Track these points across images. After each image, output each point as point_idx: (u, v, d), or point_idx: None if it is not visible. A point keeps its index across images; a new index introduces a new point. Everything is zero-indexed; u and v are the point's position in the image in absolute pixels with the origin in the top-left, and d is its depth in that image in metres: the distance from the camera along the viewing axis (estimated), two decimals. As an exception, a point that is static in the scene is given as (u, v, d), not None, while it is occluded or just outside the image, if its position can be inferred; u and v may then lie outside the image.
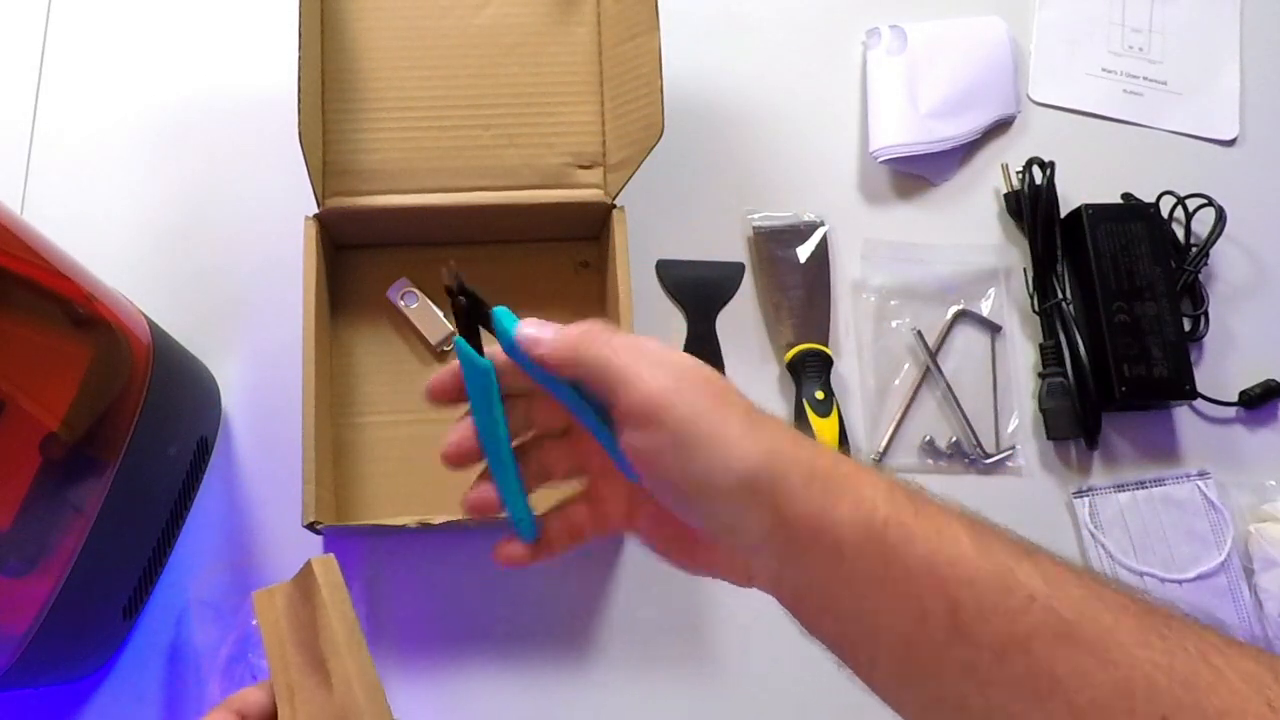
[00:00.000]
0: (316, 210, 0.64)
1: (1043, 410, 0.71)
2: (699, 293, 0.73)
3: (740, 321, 0.73)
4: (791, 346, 0.70)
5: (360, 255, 0.71)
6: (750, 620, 0.66)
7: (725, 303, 0.73)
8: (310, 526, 0.58)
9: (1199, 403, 0.72)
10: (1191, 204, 0.75)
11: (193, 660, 0.63)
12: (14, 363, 0.48)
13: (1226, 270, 0.76)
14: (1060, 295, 0.72)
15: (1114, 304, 0.71)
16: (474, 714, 0.64)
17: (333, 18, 0.67)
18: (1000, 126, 0.78)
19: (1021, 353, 0.74)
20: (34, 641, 0.52)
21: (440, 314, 0.69)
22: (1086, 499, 0.70)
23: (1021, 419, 0.72)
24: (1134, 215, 0.74)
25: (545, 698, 0.64)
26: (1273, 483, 0.71)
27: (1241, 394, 0.73)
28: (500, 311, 0.41)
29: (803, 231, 0.74)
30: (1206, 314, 0.74)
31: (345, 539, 0.65)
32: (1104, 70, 0.80)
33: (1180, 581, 0.68)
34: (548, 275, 0.71)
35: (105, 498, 0.53)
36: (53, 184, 0.72)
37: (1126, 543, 0.69)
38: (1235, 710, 0.30)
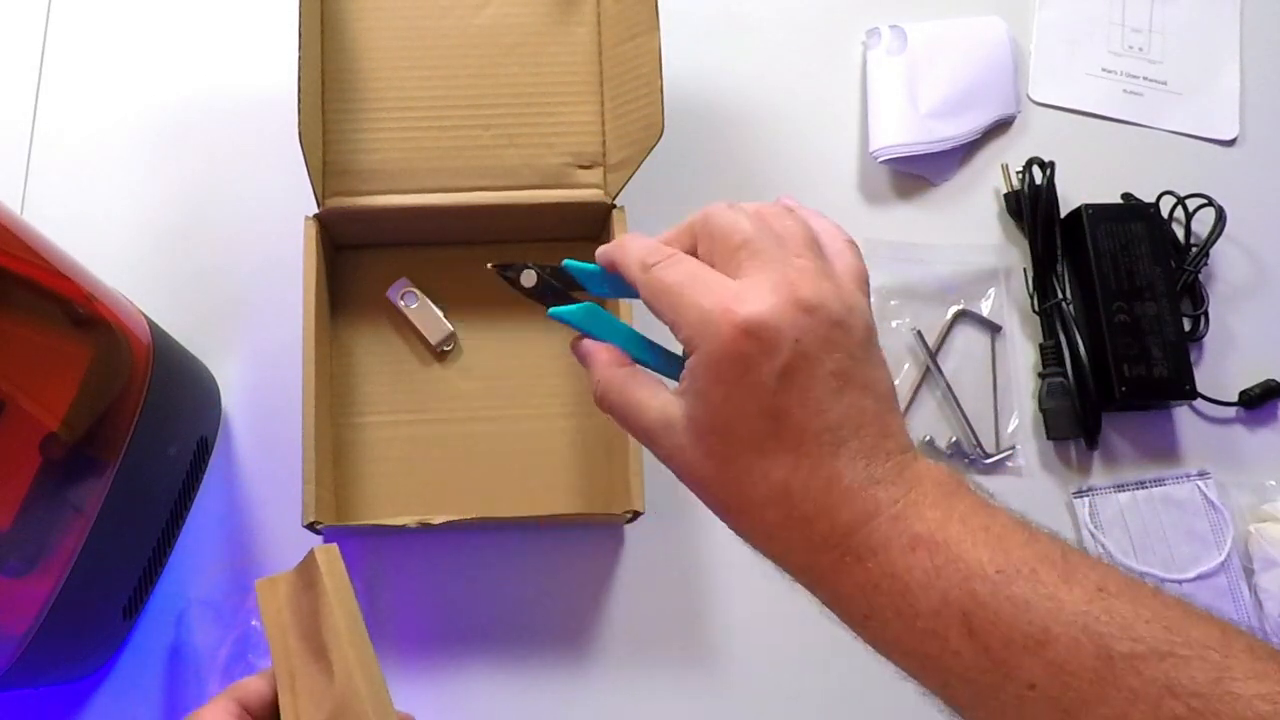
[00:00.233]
0: (316, 210, 0.64)
1: (1043, 410, 0.71)
2: (699, 293, 0.73)
3: (740, 321, 0.73)
4: (791, 346, 0.70)
5: (360, 255, 0.71)
6: (750, 620, 0.66)
7: (725, 303, 0.73)
8: (310, 526, 0.58)
9: (1199, 403, 0.72)
10: (1191, 204, 0.74)
11: (193, 660, 0.63)
12: (14, 363, 0.48)
13: (1226, 270, 0.76)
14: (1060, 295, 0.72)
15: (1114, 304, 0.71)
16: (474, 714, 0.64)
17: (333, 18, 0.67)
18: (1000, 126, 0.78)
19: (1021, 353, 0.74)
20: (34, 641, 0.52)
21: (440, 314, 0.69)
22: (1086, 499, 0.70)
23: (1021, 419, 0.72)
24: (1134, 215, 0.74)
25: (545, 698, 0.64)
26: (1273, 483, 0.71)
27: (1241, 394, 0.73)
28: (568, 263, 0.44)
29: (803, 231, 0.74)
30: (1206, 314, 0.74)
31: (345, 539, 0.65)
32: (1104, 70, 0.80)
33: (1180, 581, 0.68)
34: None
35: (105, 498, 0.53)
36: (53, 184, 0.72)
37: (1126, 543, 0.69)
38: None
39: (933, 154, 0.76)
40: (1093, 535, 0.69)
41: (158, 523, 0.61)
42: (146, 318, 0.58)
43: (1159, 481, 0.71)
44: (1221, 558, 0.69)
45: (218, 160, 0.73)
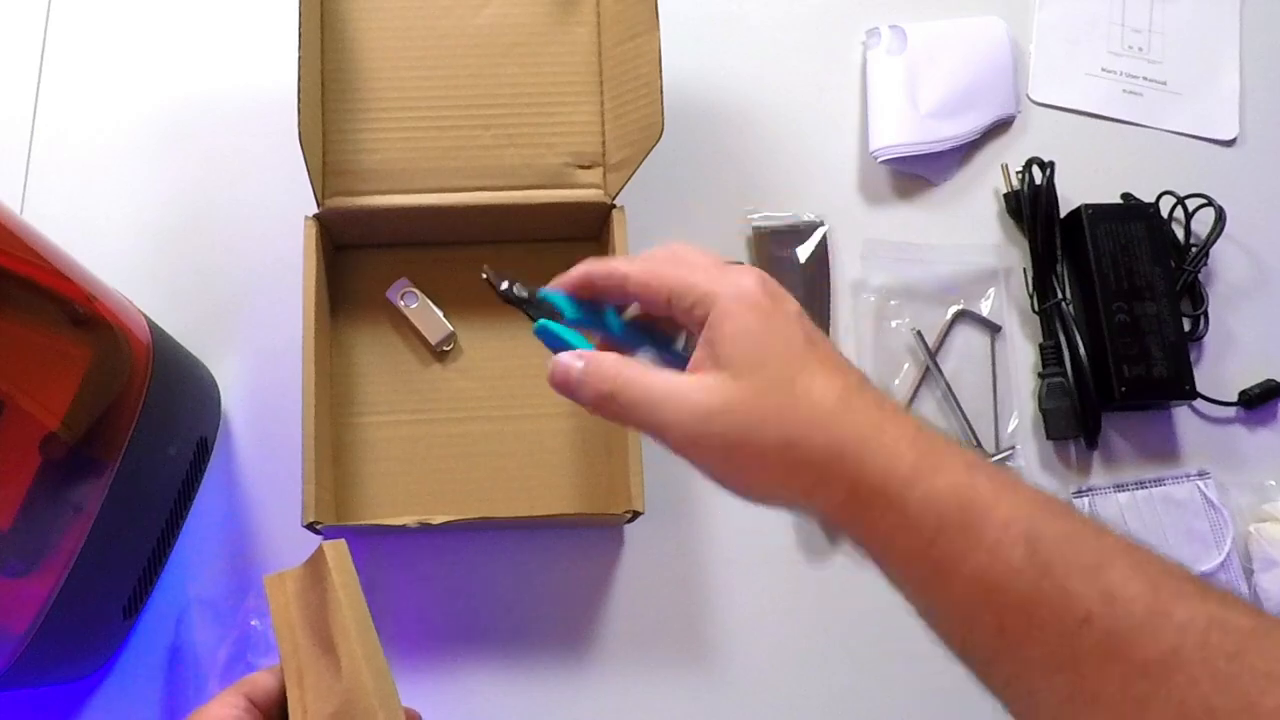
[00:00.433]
0: (316, 210, 0.65)
1: (1043, 410, 0.71)
2: (699, 293, 0.73)
3: (740, 321, 0.73)
4: (791, 346, 0.70)
5: (360, 255, 0.71)
6: (750, 620, 0.66)
7: (725, 303, 0.73)
8: (310, 526, 0.58)
9: (1199, 403, 0.72)
10: (1191, 204, 0.75)
11: (193, 660, 0.63)
12: (14, 363, 0.48)
13: (1226, 270, 0.76)
14: (1060, 295, 0.72)
15: (1114, 304, 0.71)
16: (474, 713, 0.64)
17: (333, 18, 0.67)
18: (1000, 126, 0.78)
19: (1021, 353, 0.74)
20: (34, 641, 0.52)
21: (440, 314, 0.69)
22: (1086, 499, 0.70)
23: (1021, 419, 0.72)
24: (1134, 215, 0.74)
25: (545, 697, 0.64)
26: (1273, 483, 0.71)
27: (1241, 394, 0.73)
28: (545, 293, 0.47)
29: (802, 231, 0.74)
30: (1206, 314, 0.74)
31: (345, 539, 0.65)
32: (1104, 70, 0.80)
33: (1180, 581, 0.68)
34: (548, 275, 0.71)
35: (105, 497, 0.53)
36: (53, 184, 0.72)
37: (1126, 543, 0.69)
38: None
39: (933, 154, 0.76)
40: (1092, 535, 0.69)
41: (158, 522, 0.61)
42: (146, 318, 0.58)
43: (1159, 481, 0.71)
44: (1221, 558, 0.69)
45: (218, 160, 0.73)
